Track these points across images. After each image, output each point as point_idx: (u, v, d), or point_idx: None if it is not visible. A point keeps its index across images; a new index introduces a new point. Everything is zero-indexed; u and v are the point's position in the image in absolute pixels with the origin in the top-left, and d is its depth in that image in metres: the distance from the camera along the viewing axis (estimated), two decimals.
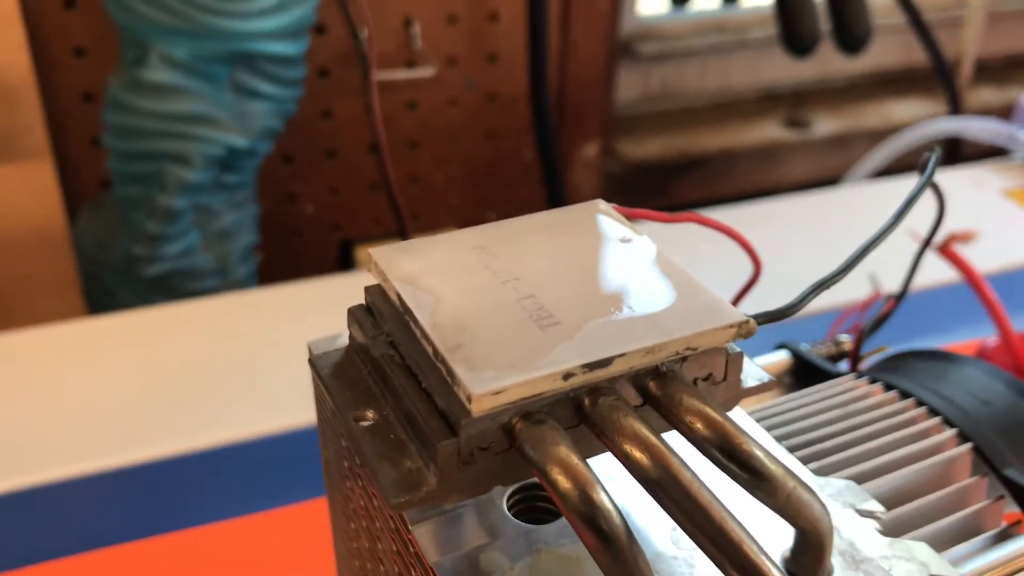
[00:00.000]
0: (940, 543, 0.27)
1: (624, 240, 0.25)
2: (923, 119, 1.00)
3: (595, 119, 1.12)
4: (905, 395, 0.32)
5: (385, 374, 0.23)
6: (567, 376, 0.20)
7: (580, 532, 0.19)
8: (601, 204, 0.27)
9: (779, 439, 0.29)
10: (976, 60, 1.26)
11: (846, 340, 0.39)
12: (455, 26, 0.98)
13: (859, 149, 1.16)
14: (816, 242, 0.74)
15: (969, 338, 0.57)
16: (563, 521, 0.23)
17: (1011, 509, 0.30)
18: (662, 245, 0.25)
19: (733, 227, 0.31)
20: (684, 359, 0.22)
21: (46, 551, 0.47)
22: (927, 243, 0.36)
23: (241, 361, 0.61)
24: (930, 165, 0.30)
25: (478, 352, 0.21)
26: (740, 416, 0.27)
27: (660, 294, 0.23)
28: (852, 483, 0.25)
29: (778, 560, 0.22)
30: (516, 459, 0.21)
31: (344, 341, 0.26)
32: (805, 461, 0.28)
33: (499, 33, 1.01)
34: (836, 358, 0.39)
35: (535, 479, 0.23)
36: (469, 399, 0.20)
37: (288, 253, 1.03)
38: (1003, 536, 0.28)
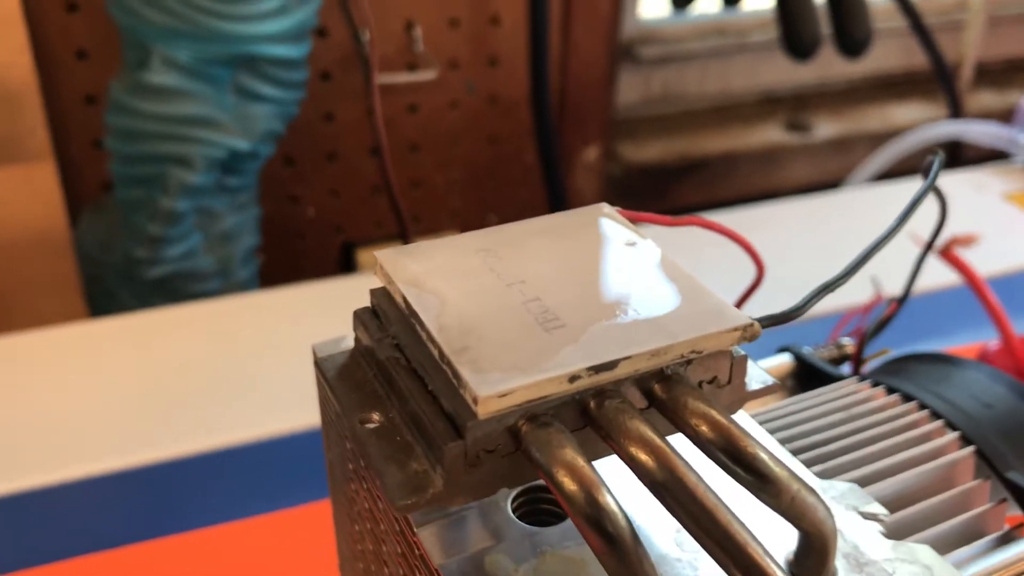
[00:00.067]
0: (943, 546, 0.27)
1: (629, 243, 0.25)
2: (924, 123, 1.00)
3: (596, 122, 1.12)
4: (908, 398, 0.32)
5: (391, 376, 0.23)
6: (573, 379, 0.20)
7: (586, 534, 0.19)
8: (605, 208, 0.27)
9: (782, 442, 0.29)
10: (976, 64, 1.26)
11: (848, 343, 0.39)
12: (456, 29, 0.99)
13: (860, 152, 1.17)
14: (817, 245, 0.75)
15: (970, 341, 0.57)
16: (567, 523, 0.23)
17: (1014, 512, 0.30)
18: (664, 249, 0.25)
19: (736, 231, 0.31)
20: (689, 362, 0.22)
21: (48, 553, 0.47)
22: (929, 247, 0.37)
23: (242, 363, 0.61)
24: (933, 168, 0.30)
25: (484, 354, 0.21)
26: (744, 419, 0.27)
27: (665, 297, 0.23)
28: (855, 486, 0.25)
29: (782, 563, 0.22)
30: (522, 461, 0.21)
31: (348, 344, 0.26)
32: (808, 464, 0.28)
33: (500, 36, 1.01)
34: (838, 361, 0.39)
35: (540, 481, 0.23)
36: (475, 401, 0.20)
37: (289, 255, 1.03)
38: (1006, 539, 0.28)
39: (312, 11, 0.78)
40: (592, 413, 0.21)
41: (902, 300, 0.38)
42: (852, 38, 0.84)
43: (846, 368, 0.39)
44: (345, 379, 0.24)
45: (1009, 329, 0.46)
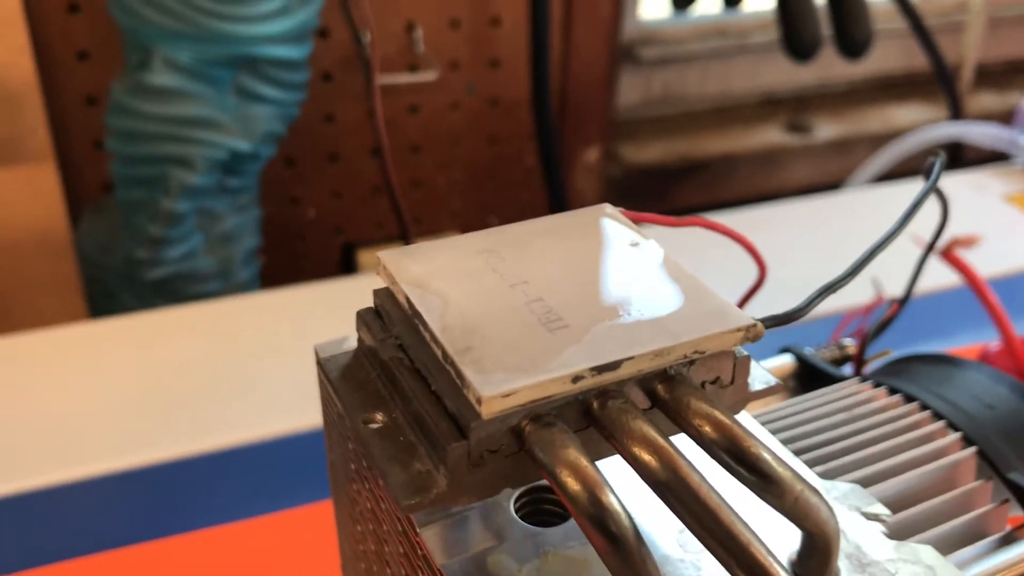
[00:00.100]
0: (945, 547, 0.27)
1: (632, 244, 0.25)
2: (924, 124, 1.00)
3: (597, 123, 1.12)
4: (909, 399, 0.32)
5: (394, 377, 0.23)
6: (576, 379, 0.20)
7: (589, 534, 0.19)
8: (607, 208, 0.27)
9: (784, 443, 0.29)
10: (977, 65, 1.26)
11: (850, 344, 0.39)
12: (457, 30, 0.99)
13: (860, 154, 1.17)
14: (818, 247, 0.75)
15: (971, 343, 0.57)
16: (570, 524, 0.23)
17: (1016, 513, 0.30)
18: (666, 249, 0.25)
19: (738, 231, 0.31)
20: (692, 362, 0.22)
21: (51, 553, 0.47)
22: (931, 247, 0.37)
23: (243, 364, 0.61)
24: (935, 169, 0.30)
25: (487, 355, 0.21)
26: (746, 420, 0.27)
27: (668, 298, 0.23)
28: (858, 486, 0.25)
29: (784, 563, 0.22)
30: (525, 462, 0.21)
31: (350, 344, 0.26)
32: (810, 465, 0.28)
33: (501, 38, 1.01)
34: (840, 362, 0.39)
35: (543, 482, 0.23)
36: (479, 401, 0.20)
37: (290, 257, 1.03)
38: (1008, 540, 0.28)
39: (313, 12, 0.78)
40: (595, 413, 0.21)
41: (904, 301, 0.38)
42: (853, 39, 0.84)
43: (847, 369, 0.39)
44: (348, 379, 0.24)
45: (1010, 330, 0.46)
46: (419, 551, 0.23)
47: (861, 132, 1.23)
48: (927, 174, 0.30)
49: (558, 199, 1.03)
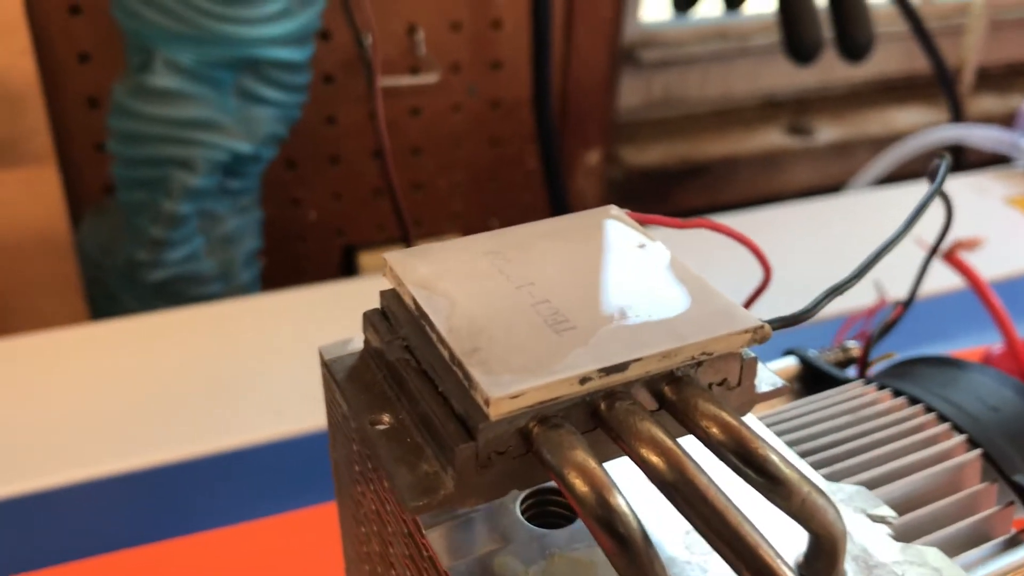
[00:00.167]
0: (950, 549, 0.27)
1: (639, 246, 0.25)
2: (925, 127, 1.00)
3: (598, 126, 1.12)
4: (914, 401, 0.32)
5: (401, 378, 0.23)
6: (584, 380, 0.20)
7: (597, 535, 0.19)
8: (613, 210, 0.27)
9: (790, 444, 0.29)
10: (978, 68, 1.26)
11: (854, 346, 0.39)
12: (459, 33, 0.99)
13: (861, 156, 1.17)
14: (819, 249, 0.75)
15: (974, 345, 0.57)
16: (576, 526, 0.23)
17: (1021, 515, 0.30)
18: (671, 251, 0.25)
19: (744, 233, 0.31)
20: (699, 364, 0.22)
21: (53, 555, 0.47)
22: (935, 250, 0.37)
23: (244, 366, 0.61)
24: (940, 172, 0.30)
25: (495, 356, 0.21)
26: (751, 422, 0.27)
27: (675, 299, 0.23)
28: (863, 488, 0.25)
29: (791, 565, 0.22)
30: (533, 463, 0.21)
31: (355, 346, 0.26)
32: (816, 467, 0.28)
33: (502, 40, 1.01)
34: (843, 364, 0.39)
35: (548, 484, 0.23)
36: (487, 403, 0.20)
37: (291, 259, 1.03)
38: (1013, 542, 0.28)
39: (315, 14, 0.78)
40: (602, 415, 0.21)
41: (907, 303, 0.38)
42: (854, 42, 0.84)
43: (851, 371, 0.39)
44: (354, 381, 0.24)
45: (1013, 333, 0.46)
46: (425, 553, 0.23)
47: (862, 135, 1.23)
48: (932, 176, 0.30)
49: (559, 201, 1.03)
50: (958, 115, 1.07)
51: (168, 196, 0.78)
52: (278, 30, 0.75)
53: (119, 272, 0.83)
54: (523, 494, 0.24)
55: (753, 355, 0.23)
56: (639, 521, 0.19)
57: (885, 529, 0.24)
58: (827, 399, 0.33)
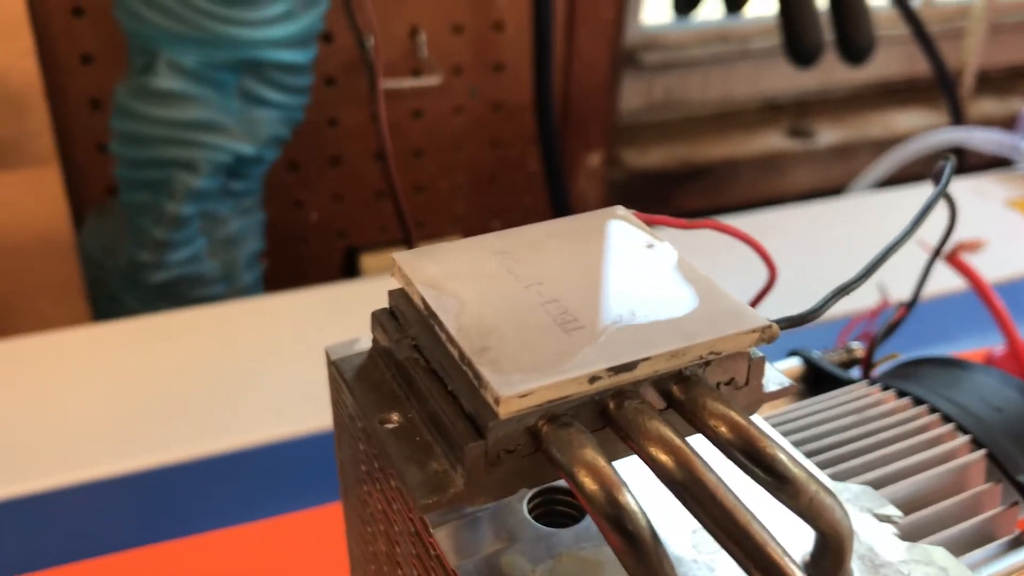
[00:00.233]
0: (955, 549, 0.27)
1: (647, 246, 0.25)
2: (925, 129, 1.01)
3: (599, 128, 1.12)
4: (918, 402, 0.32)
5: (410, 377, 0.23)
6: (593, 379, 0.21)
7: (606, 533, 0.19)
8: (620, 210, 0.27)
9: (795, 445, 0.29)
10: (978, 71, 1.26)
11: (858, 347, 0.39)
12: (460, 35, 0.99)
13: (862, 159, 1.17)
14: (820, 251, 0.75)
15: (976, 346, 0.57)
16: (583, 525, 0.23)
17: None
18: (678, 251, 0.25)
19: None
20: (707, 363, 0.22)
21: (55, 556, 0.47)
22: (938, 251, 0.37)
23: (246, 367, 0.61)
24: (945, 174, 0.30)
25: (504, 355, 0.21)
26: (758, 421, 0.27)
27: (683, 299, 0.23)
28: (869, 488, 0.25)
29: (798, 563, 0.22)
30: (542, 462, 0.21)
31: (361, 346, 0.26)
32: (822, 466, 0.28)
33: (504, 42, 1.01)
34: (847, 365, 0.39)
35: (556, 482, 0.23)
36: (497, 401, 0.20)
37: (293, 260, 1.03)
38: (1017, 542, 0.28)
39: (318, 16, 0.78)
40: (611, 414, 0.21)
41: (911, 305, 0.38)
42: (855, 45, 0.84)
43: (855, 372, 0.39)
44: (363, 380, 0.24)
45: (1015, 334, 0.46)
46: (432, 551, 0.23)
47: (863, 137, 1.23)
48: (936, 178, 0.30)
49: (560, 203, 1.03)
50: (959, 118, 1.07)
51: (171, 197, 0.78)
52: (281, 32, 0.75)
53: (121, 273, 0.83)
54: (530, 493, 0.24)
55: (761, 355, 0.23)
56: (648, 519, 0.19)
57: (891, 528, 0.24)
58: (832, 399, 0.33)
